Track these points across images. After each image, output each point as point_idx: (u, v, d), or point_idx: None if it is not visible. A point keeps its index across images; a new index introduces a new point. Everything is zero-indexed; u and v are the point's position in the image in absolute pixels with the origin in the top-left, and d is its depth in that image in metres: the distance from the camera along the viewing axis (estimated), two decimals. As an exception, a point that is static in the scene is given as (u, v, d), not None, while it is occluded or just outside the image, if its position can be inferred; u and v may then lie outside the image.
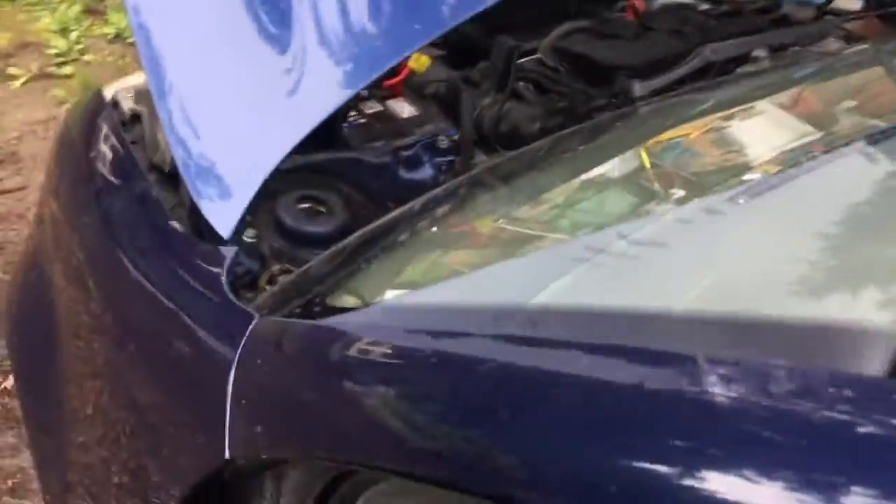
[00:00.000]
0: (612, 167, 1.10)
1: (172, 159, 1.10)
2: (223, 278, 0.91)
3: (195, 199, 0.97)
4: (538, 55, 1.63)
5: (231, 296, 0.90)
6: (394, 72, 1.34)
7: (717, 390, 0.57)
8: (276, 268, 0.98)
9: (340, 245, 0.96)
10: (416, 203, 1.01)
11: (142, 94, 1.35)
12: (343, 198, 1.11)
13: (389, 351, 0.75)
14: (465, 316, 0.78)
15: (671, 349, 0.63)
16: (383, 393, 0.73)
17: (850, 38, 1.54)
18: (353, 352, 0.76)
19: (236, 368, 0.80)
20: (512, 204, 1.04)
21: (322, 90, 1.00)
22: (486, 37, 1.71)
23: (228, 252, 0.95)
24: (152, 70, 1.01)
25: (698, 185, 1.04)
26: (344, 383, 0.77)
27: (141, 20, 1.06)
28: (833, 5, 1.79)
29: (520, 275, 0.86)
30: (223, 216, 0.96)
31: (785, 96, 1.21)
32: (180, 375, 0.92)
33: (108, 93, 1.48)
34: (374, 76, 1.03)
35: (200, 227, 1.00)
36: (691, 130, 1.16)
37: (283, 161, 1.14)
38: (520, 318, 0.77)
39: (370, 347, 0.75)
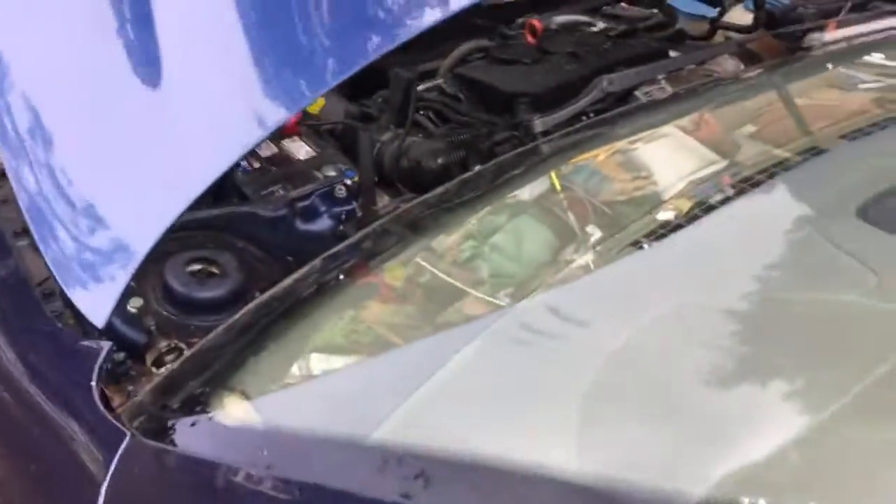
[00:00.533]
0: (521, 206, 1.08)
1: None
2: (93, 384, 0.80)
3: (62, 285, 0.89)
4: (438, 81, 1.60)
5: (101, 409, 0.79)
6: (286, 113, 1.28)
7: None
8: (163, 345, 0.90)
9: (229, 323, 0.88)
10: (316, 263, 0.96)
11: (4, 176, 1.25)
12: (238, 256, 1.04)
13: (274, 485, 0.69)
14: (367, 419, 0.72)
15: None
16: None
17: (741, 54, 1.56)
18: (237, 480, 0.69)
19: (107, 491, 0.72)
20: (423, 255, 1.00)
21: (209, 150, 0.93)
22: (382, 58, 1.66)
23: (101, 348, 0.84)
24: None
25: (612, 219, 1.03)
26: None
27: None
28: (725, 19, 1.83)
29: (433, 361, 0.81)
30: (96, 301, 0.87)
31: (685, 123, 1.21)
32: (52, 492, 0.83)
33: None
34: (264, 136, 0.96)
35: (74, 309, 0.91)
36: (594, 157, 1.15)
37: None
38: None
39: (250, 482, 0.69)
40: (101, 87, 0.96)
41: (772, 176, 1.00)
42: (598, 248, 0.96)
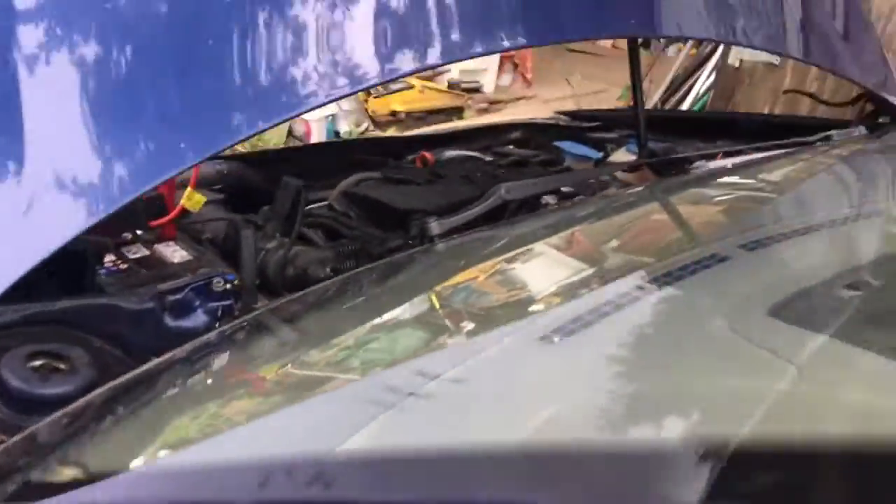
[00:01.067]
0: (405, 309, 0.99)
1: None
2: None
3: None
4: (327, 202, 1.55)
5: None
6: (162, 210, 1.18)
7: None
8: (-11, 442, 0.74)
9: (69, 408, 0.74)
10: (181, 351, 0.83)
11: None
12: (92, 353, 0.90)
13: None
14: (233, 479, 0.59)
15: None
16: None
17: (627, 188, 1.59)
18: None
19: None
20: (296, 350, 0.89)
21: (44, 224, 0.80)
22: (269, 183, 1.60)
23: None
24: None
25: (487, 320, 0.95)
26: None
27: None
28: (610, 159, 1.89)
29: (307, 422, 0.69)
30: None
31: (566, 235, 1.18)
32: None
33: None
34: (109, 210, 0.84)
35: None
36: (479, 274, 1.09)
37: (16, 311, 0.93)
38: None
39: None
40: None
41: (678, 278, 0.97)
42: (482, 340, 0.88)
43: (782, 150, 1.49)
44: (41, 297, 0.97)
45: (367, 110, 5.35)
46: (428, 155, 1.79)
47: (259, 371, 0.83)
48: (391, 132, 4.78)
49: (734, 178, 1.22)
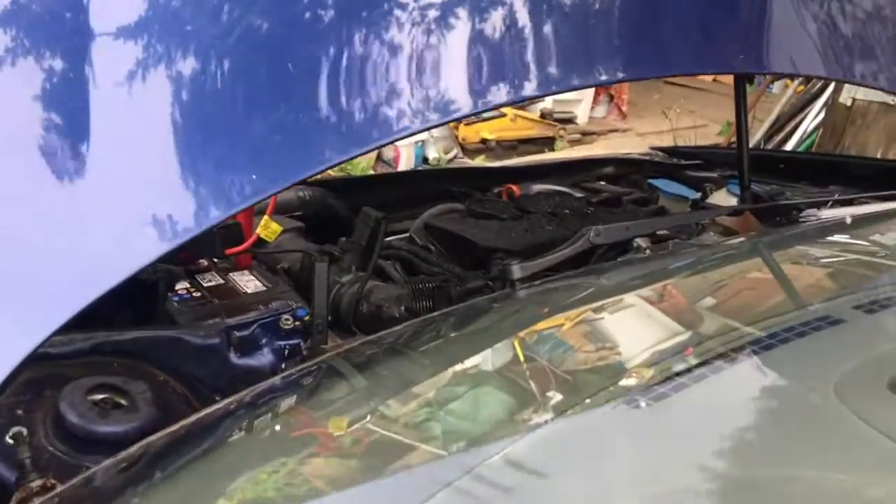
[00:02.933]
0: (485, 361, 0.93)
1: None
2: None
3: None
4: (408, 234, 1.50)
5: None
6: (239, 238, 1.15)
7: None
8: (35, 483, 0.71)
9: (120, 457, 0.70)
10: (247, 394, 0.79)
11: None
12: (156, 388, 0.87)
13: None
14: None
15: None
16: None
17: (726, 233, 1.49)
18: None
19: None
20: (370, 402, 0.83)
21: (107, 255, 0.77)
22: (350, 213, 1.57)
23: None
24: None
25: (571, 382, 0.88)
26: None
27: None
28: (709, 200, 1.78)
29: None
30: None
31: (658, 288, 1.09)
32: None
33: None
34: (184, 239, 0.80)
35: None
36: (563, 327, 1.01)
37: (81, 340, 0.91)
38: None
39: None
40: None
41: (784, 341, 0.87)
42: (563, 411, 0.81)
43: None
44: (112, 325, 0.95)
45: (457, 137, 5.33)
46: (515, 188, 1.73)
47: (329, 425, 0.77)
48: (480, 160, 4.75)
49: (849, 232, 1.11)
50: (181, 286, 1.10)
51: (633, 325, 1.04)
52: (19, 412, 0.81)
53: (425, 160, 5.06)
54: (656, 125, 5.14)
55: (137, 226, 0.79)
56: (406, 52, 0.87)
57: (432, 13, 0.87)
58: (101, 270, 0.77)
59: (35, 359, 0.75)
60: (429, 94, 0.88)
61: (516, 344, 0.95)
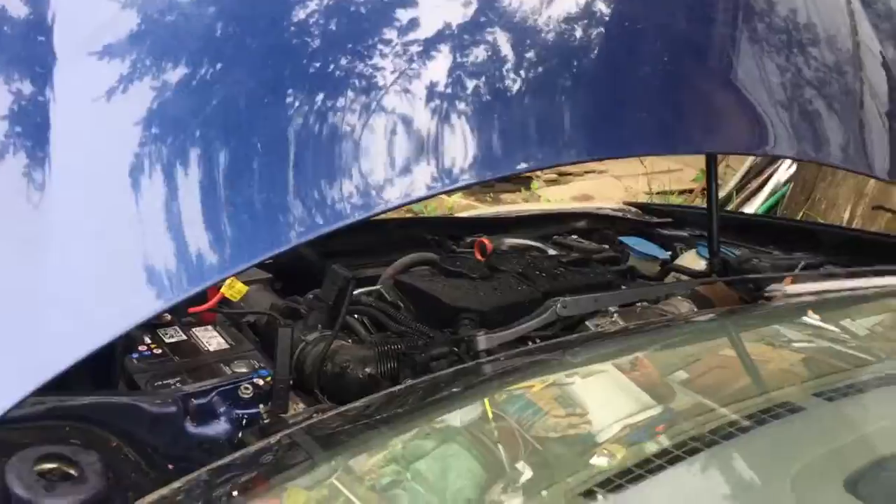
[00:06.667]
0: (449, 437, 0.92)
1: None
2: None
3: None
4: (377, 287, 1.49)
5: None
6: (202, 297, 1.14)
7: None
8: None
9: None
10: (201, 474, 0.77)
11: None
12: (108, 454, 0.85)
13: None
14: None
15: None
16: None
17: (695, 298, 1.50)
18: None
19: None
20: (334, 477, 0.82)
21: (87, 318, 0.77)
22: (321, 260, 1.56)
23: None
24: None
25: (533, 468, 0.87)
26: None
27: None
28: (678, 261, 1.80)
29: None
30: None
31: (624, 367, 1.09)
32: None
33: None
34: (159, 309, 0.80)
35: None
36: (527, 408, 1.01)
37: (34, 404, 0.89)
38: None
39: None
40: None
41: (742, 429, 0.87)
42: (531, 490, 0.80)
43: (868, 277, 1.38)
44: (66, 386, 0.93)
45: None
46: (486, 241, 1.73)
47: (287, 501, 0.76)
48: (456, 198, 4.75)
49: (816, 315, 1.12)
50: (144, 342, 1.09)
51: (594, 409, 1.02)
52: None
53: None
54: (633, 168, 5.19)
55: (99, 305, 0.79)
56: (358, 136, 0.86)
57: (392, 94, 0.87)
58: (64, 345, 0.77)
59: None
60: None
61: (485, 406, 0.95)
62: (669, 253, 1.87)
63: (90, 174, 0.82)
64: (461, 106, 0.89)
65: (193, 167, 0.80)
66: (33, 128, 0.83)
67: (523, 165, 0.94)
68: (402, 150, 0.86)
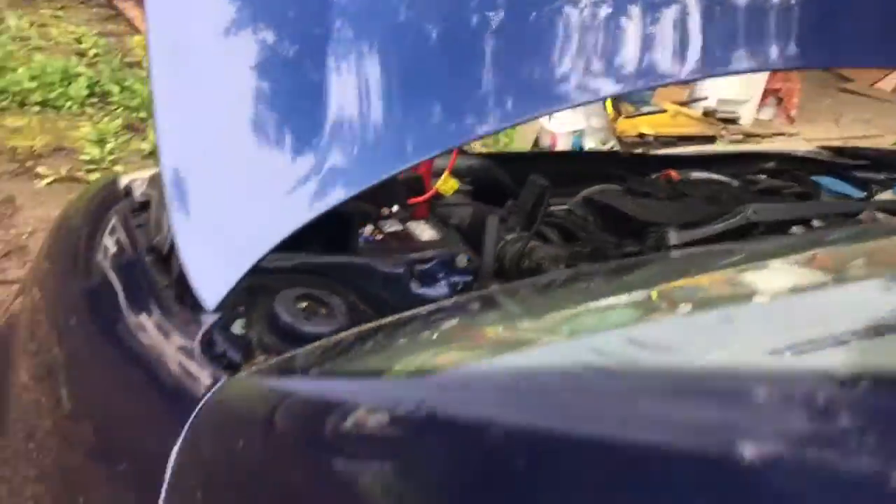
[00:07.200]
0: (624, 296, 1.00)
1: (170, 241, 1.04)
2: (198, 337, 0.84)
3: (184, 267, 0.89)
4: (567, 206, 1.59)
5: (200, 353, 0.85)
6: (420, 191, 1.29)
7: None
8: (261, 359, 0.87)
9: (334, 337, 0.86)
10: (422, 309, 0.92)
11: (154, 180, 1.31)
12: (347, 304, 1.02)
13: (391, 421, 0.63)
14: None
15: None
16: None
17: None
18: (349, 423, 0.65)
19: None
20: (519, 318, 0.94)
21: (328, 185, 0.94)
22: (514, 182, 1.68)
23: (208, 319, 0.88)
24: (165, 142, 0.96)
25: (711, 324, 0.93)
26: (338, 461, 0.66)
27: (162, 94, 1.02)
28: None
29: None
30: (210, 288, 0.87)
31: (810, 253, 1.10)
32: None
33: (122, 182, 1.45)
34: (386, 175, 0.97)
35: (185, 298, 0.91)
36: (709, 279, 1.06)
37: (288, 259, 1.07)
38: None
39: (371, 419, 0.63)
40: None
41: None
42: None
43: None
44: (308, 250, 1.11)
45: (614, 130, 5.34)
46: (673, 173, 1.78)
47: (482, 332, 0.89)
48: (637, 154, 4.73)
49: None
50: (368, 229, 1.26)
51: (781, 285, 1.04)
52: (241, 310, 0.98)
53: (581, 150, 5.11)
54: (826, 132, 4.94)
55: (347, 163, 0.95)
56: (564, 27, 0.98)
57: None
58: (306, 203, 0.95)
59: (251, 272, 0.93)
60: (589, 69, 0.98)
61: (658, 290, 1.02)
62: (864, 193, 1.84)
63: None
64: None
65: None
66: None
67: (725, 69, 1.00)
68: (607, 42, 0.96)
